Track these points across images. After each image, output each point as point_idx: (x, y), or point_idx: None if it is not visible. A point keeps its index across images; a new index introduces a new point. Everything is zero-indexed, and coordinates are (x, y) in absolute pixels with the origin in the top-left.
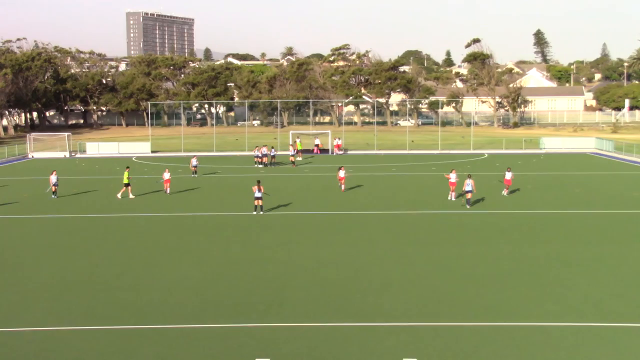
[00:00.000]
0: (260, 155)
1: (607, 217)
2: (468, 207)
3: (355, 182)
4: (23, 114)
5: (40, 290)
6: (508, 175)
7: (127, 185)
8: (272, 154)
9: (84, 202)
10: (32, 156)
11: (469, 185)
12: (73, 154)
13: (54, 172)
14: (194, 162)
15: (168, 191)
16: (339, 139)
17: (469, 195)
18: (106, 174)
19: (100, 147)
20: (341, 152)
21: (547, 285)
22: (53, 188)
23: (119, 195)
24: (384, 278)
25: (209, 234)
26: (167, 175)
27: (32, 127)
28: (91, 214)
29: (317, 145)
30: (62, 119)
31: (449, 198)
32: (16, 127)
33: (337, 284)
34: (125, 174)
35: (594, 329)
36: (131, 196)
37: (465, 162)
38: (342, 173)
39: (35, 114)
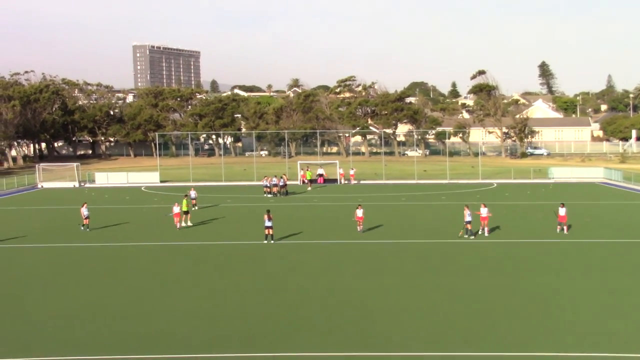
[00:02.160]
0: (269, 185)
1: (618, 247)
2: (473, 237)
3: (365, 211)
4: (32, 145)
5: (49, 319)
6: (562, 211)
7: (186, 212)
8: (281, 183)
9: (94, 231)
10: (42, 186)
11: (469, 215)
12: (82, 184)
13: (85, 205)
14: (192, 194)
15: (178, 226)
16: (352, 169)
17: (469, 226)
18: (116, 204)
19: (109, 176)
20: (355, 182)
21: (560, 315)
22: (85, 221)
23: (189, 223)
24: (395, 307)
25: (219, 264)
26: (176, 209)
27: (40, 157)
28: (100, 242)
29: (320, 175)
30: (71, 149)
31: (479, 232)
32: (25, 157)
33: (348, 314)
34: (184, 202)
35: None
36: (189, 223)
37: (474, 192)
38: (359, 212)
39: (43, 145)
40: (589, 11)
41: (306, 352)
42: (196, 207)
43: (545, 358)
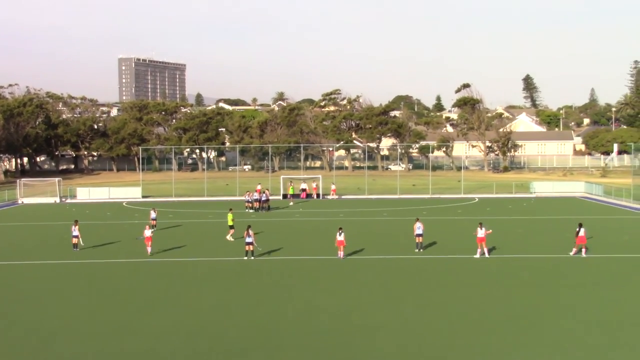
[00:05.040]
0: (250, 200)
1: (598, 261)
2: (421, 251)
3: (346, 227)
4: (13, 159)
5: (26, 337)
6: (582, 232)
7: (231, 227)
8: (263, 198)
9: (69, 248)
10: (22, 202)
11: (419, 228)
12: (63, 200)
13: (76, 223)
14: (152, 214)
15: (149, 251)
16: (333, 183)
17: (419, 239)
18: (96, 220)
19: (90, 192)
20: (335, 197)
21: (542, 331)
22: (74, 240)
23: (229, 237)
24: (376, 323)
25: (199, 280)
26: (148, 233)
27: (22, 172)
28: (79, 259)
29: (303, 190)
30: (53, 164)
31: (476, 256)
32: (6, 172)
33: (329, 329)
34: (229, 216)
35: None
36: (231, 239)
37: (456, 207)
38: (340, 236)
39: (25, 159)
40: (573, 25)
41: None
42: (155, 228)
43: None
